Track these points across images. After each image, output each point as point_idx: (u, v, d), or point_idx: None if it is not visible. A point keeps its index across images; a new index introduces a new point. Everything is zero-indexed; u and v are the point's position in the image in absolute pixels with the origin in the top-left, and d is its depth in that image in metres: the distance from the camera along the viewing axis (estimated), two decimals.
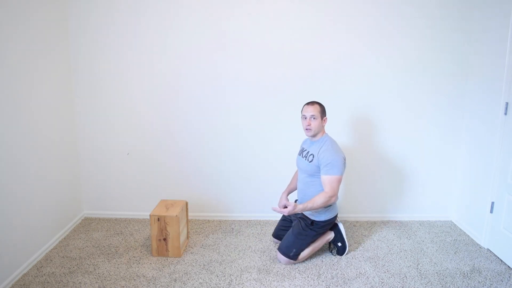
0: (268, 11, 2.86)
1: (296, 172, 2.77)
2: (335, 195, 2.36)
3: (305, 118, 2.45)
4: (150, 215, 2.50)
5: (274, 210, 2.34)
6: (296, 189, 2.72)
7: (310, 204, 2.34)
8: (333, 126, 3.02)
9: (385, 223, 3.16)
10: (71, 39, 2.91)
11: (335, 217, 2.56)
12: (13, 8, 2.25)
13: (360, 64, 2.94)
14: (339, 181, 2.37)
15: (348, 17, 2.87)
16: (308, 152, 2.51)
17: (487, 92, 2.75)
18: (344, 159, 2.43)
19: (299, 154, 2.62)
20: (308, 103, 2.49)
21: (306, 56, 2.92)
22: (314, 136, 2.50)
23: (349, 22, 2.88)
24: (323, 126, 2.49)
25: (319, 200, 2.34)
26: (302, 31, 2.88)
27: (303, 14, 2.86)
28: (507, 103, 2.54)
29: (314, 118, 2.43)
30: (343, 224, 3.02)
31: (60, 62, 2.81)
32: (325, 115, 2.48)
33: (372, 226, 3.11)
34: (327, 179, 2.36)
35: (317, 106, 2.45)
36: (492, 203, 2.69)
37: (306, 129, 2.46)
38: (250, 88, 2.99)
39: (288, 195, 2.74)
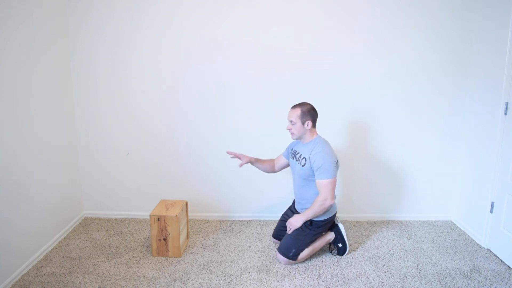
0: (268, 11, 2.86)
1: (272, 160, 2.77)
2: (328, 198, 2.33)
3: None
4: (150, 215, 2.50)
5: (228, 153, 2.65)
6: (259, 166, 2.73)
7: (310, 212, 2.39)
8: (333, 127, 3.02)
9: (385, 223, 3.16)
10: (70, 39, 2.91)
11: (334, 216, 2.56)
12: (12, 8, 2.25)
13: (360, 64, 2.94)
14: (332, 183, 2.34)
15: (349, 16, 2.87)
16: (300, 155, 2.49)
17: (487, 92, 2.74)
18: (336, 162, 2.39)
19: (292, 158, 2.58)
20: (291, 107, 2.47)
21: (307, 56, 2.92)
22: (299, 139, 2.49)
23: (350, 21, 2.87)
24: (307, 130, 2.43)
25: (315, 206, 2.37)
26: (302, 31, 2.88)
27: (304, 13, 2.86)
28: (507, 103, 2.54)
29: (292, 124, 2.42)
30: (343, 225, 3.02)
31: (60, 62, 2.81)
32: (307, 119, 2.39)
33: (372, 226, 3.11)
34: (320, 183, 2.36)
35: (296, 110, 2.41)
36: (492, 203, 2.69)
37: (290, 133, 2.48)
38: (250, 88, 2.98)
39: (249, 161, 2.67)
